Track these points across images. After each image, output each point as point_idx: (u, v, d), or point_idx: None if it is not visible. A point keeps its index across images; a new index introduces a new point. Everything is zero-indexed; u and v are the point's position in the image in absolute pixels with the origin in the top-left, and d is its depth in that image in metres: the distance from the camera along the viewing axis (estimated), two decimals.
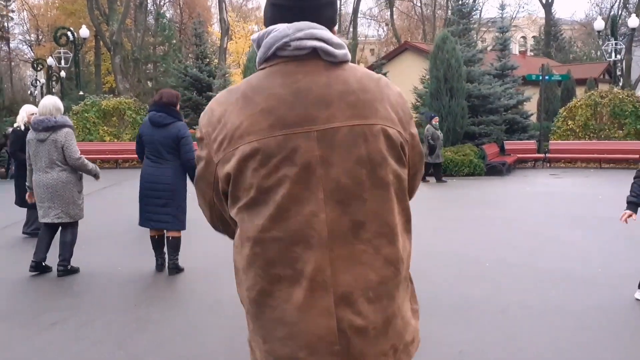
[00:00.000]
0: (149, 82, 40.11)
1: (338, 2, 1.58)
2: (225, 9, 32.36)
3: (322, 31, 1.58)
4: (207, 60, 25.65)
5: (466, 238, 8.38)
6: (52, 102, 6.43)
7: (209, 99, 22.45)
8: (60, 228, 6.51)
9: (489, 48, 27.98)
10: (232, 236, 1.72)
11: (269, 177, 1.52)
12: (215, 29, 48.21)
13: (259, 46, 1.62)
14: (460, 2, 21.82)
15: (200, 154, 1.65)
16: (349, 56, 1.63)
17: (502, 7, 23.71)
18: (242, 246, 1.59)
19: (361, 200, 1.55)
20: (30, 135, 6.42)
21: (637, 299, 5.44)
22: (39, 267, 6.47)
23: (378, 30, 60.52)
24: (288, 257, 1.54)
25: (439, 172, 15.62)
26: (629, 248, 7.44)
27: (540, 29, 52.84)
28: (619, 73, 33.06)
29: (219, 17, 53.40)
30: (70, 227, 6.46)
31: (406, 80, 27.91)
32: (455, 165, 16.87)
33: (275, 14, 1.62)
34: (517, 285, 6.05)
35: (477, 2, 41.19)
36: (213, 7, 51.09)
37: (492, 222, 9.60)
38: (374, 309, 1.56)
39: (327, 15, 1.63)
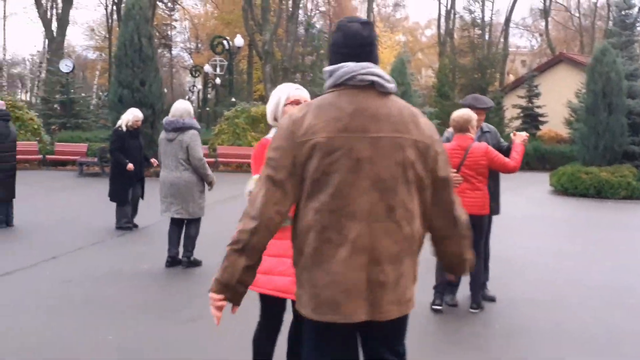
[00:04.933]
0: None
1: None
2: (374, 19, 32.54)
3: (379, 70, 2.25)
4: None
5: (627, 266, 7.67)
6: (183, 106, 6.88)
7: None
8: (185, 223, 6.92)
9: None
10: (267, 219, 2.20)
11: (331, 165, 2.15)
12: None
13: (330, 76, 2.27)
14: (623, 13, 20.24)
15: (280, 144, 2.21)
16: (395, 89, 2.29)
17: None
18: (306, 215, 2.20)
19: (394, 191, 2.20)
20: (162, 135, 6.90)
21: None
22: (174, 262, 6.92)
23: (530, 41, 58.14)
24: (338, 226, 2.16)
25: None
26: None
27: None
28: None
29: None
30: (193, 223, 6.90)
31: (560, 93, 26.46)
32: (611, 186, 15.65)
33: (338, 57, 2.29)
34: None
35: None
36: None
37: None
38: (391, 269, 2.21)
39: (374, 57, 2.30)
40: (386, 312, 2.24)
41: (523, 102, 28.56)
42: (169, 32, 52.24)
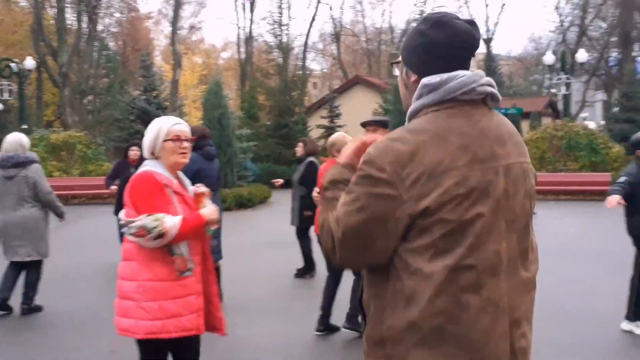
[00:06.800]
0: (89, 115, 38.80)
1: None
2: (177, 41, 31.89)
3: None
4: (156, 92, 25.02)
5: None
6: (16, 138, 6.29)
7: None
8: (25, 267, 6.31)
9: None
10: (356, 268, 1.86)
11: (469, 209, 1.60)
12: (159, 61, 47.53)
13: (433, 89, 1.69)
14: None
15: (380, 192, 1.61)
16: None
17: None
18: (433, 276, 1.60)
19: (527, 229, 1.74)
20: None
21: (624, 330, 5.53)
22: (3, 307, 6.21)
23: (322, 64, 61.05)
24: (477, 284, 1.61)
25: None
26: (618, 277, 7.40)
27: (477, 63, 54.50)
28: (561, 107, 34.09)
29: (163, 50, 52.74)
30: (35, 266, 6.33)
31: (358, 113, 27.85)
32: None
33: (437, 62, 1.71)
34: (542, 323, 5.86)
35: None
36: (156, 40, 50.50)
37: None
38: (528, 330, 1.74)
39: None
40: None
41: (326, 122, 29.75)
42: None
